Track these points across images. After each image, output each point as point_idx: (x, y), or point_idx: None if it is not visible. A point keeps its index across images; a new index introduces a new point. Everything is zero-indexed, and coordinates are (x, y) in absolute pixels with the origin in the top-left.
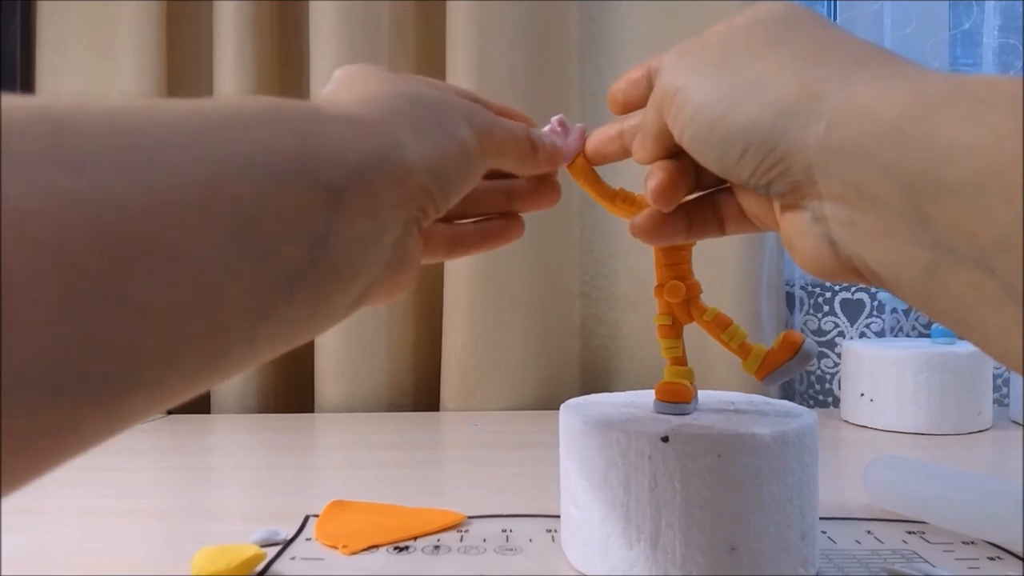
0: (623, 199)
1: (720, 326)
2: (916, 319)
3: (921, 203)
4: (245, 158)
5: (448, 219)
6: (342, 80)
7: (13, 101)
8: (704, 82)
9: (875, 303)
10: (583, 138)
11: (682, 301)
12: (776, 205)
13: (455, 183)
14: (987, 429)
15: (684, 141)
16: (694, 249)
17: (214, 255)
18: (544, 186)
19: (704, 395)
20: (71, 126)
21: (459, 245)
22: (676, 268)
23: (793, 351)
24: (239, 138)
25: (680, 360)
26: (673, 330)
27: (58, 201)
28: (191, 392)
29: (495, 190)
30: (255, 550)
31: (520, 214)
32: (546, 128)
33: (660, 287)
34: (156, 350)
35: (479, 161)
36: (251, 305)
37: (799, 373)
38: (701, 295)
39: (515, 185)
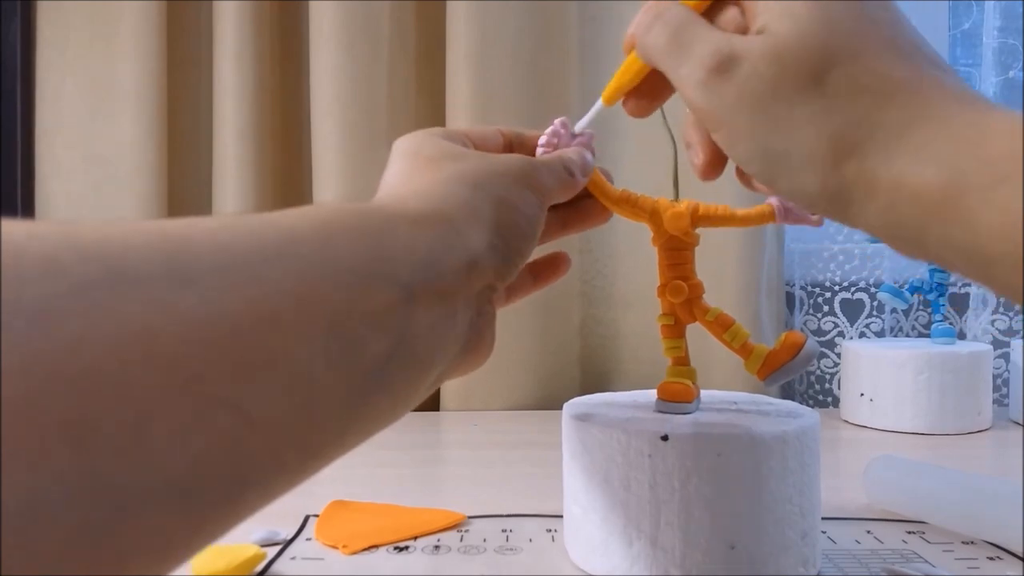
0: (627, 201)
1: (722, 326)
2: (916, 319)
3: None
4: (333, 266)
5: None
6: (400, 167)
7: (130, 225)
8: (741, 139)
9: (875, 303)
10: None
11: (684, 301)
12: None
13: (519, 250)
14: (987, 429)
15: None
16: (696, 250)
17: (311, 358)
18: (591, 206)
19: (707, 395)
20: (182, 246)
21: (513, 295)
22: (679, 268)
23: (795, 351)
24: (326, 248)
25: (682, 360)
26: (675, 330)
27: (179, 318)
28: (286, 491)
29: (548, 226)
30: (255, 550)
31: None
32: (548, 130)
33: (663, 287)
34: (262, 454)
35: (540, 216)
36: (343, 402)
37: (800, 373)
38: (703, 295)
39: (565, 216)
